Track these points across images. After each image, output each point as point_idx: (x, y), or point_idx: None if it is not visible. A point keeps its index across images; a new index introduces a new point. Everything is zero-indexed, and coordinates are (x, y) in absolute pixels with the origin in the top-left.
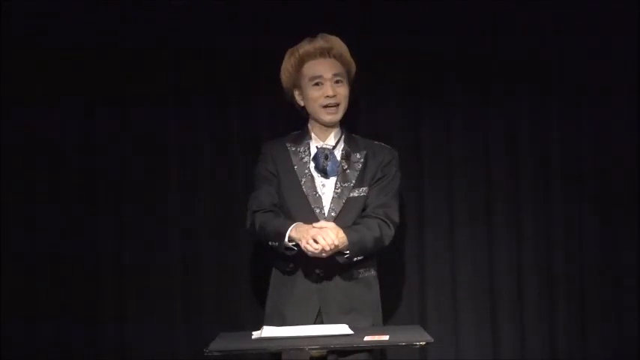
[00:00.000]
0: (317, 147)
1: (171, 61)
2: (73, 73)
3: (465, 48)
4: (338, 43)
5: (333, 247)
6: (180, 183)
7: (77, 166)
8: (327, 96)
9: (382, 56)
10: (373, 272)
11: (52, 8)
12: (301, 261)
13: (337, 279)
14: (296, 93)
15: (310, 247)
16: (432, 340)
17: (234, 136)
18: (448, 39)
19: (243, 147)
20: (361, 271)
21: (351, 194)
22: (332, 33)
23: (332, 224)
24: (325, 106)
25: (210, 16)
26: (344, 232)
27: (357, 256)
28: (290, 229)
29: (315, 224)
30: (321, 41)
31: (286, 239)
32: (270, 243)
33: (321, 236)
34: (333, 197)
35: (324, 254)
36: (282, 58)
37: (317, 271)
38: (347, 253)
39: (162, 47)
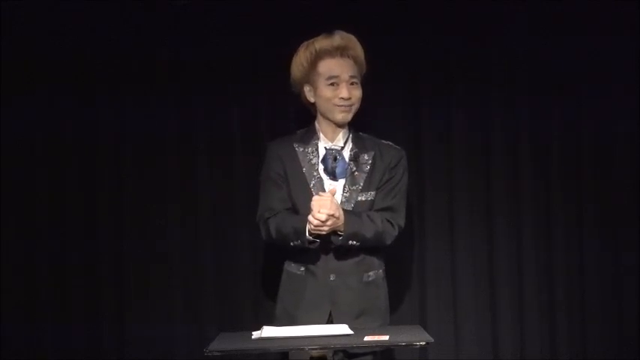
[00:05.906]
0: (325, 147)
1: (171, 60)
2: (73, 72)
3: (465, 48)
4: (354, 43)
5: (329, 216)
6: (180, 183)
7: (77, 165)
8: (342, 97)
9: (382, 56)
10: (382, 273)
11: (52, 7)
12: (312, 265)
13: (348, 282)
14: (306, 88)
15: (314, 221)
16: (432, 340)
17: (234, 136)
18: (448, 39)
19: (243, 147)
20: (371, 274)
21: (359, 198)
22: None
23: (329, 195)
24: (339, 106)
25: (210, 16)
26: (344, 213)
27: (351, 240)
28: (307, 225)
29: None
30: (338, 39)
31: (307, 234)
32: (292, 243)
33: (318, 206)
34: (341, 201)
35: (324, 228)
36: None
37: (328, 274)
38: (341, 234)
39: (162, 46)
